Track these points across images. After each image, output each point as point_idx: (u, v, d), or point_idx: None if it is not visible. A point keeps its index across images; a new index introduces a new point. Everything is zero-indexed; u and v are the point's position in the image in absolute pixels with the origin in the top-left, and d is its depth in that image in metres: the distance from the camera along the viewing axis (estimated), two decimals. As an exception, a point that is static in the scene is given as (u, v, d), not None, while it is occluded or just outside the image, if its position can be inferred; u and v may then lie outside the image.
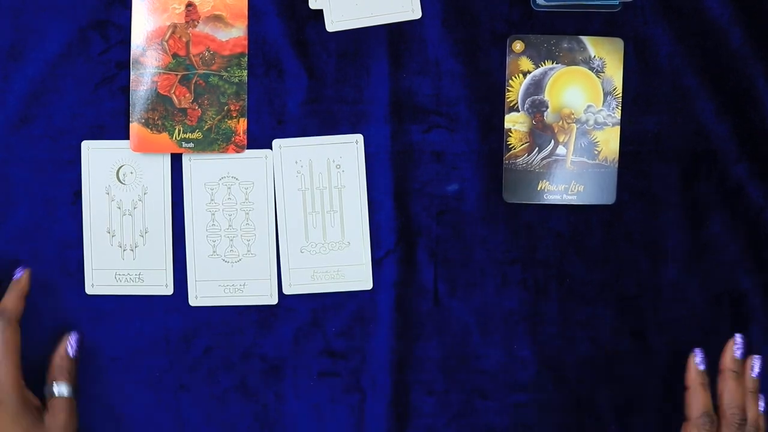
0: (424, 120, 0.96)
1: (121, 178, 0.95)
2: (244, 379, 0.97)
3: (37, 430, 0.86)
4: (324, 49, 0.96)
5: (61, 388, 0.89)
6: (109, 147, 0.95)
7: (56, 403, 0.89)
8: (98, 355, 0.96)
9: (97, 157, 0.95)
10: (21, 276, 0.92)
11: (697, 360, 0.91)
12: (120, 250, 0.95)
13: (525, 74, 0.96)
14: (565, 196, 0.96)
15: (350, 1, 0.93)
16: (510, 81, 0.96)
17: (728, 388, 0.89)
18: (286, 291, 0.96)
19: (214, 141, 0.95)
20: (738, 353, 0.91)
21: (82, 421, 0.96)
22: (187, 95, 0.95)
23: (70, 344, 0.92)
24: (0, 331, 0.87)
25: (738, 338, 0.92)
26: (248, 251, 0.96)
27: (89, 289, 0.95)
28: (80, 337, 0.93)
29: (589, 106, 0.96)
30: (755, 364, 0.91)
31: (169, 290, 0.96)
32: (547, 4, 0.95)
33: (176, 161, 0.96)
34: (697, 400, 0.89)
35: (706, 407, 0.89)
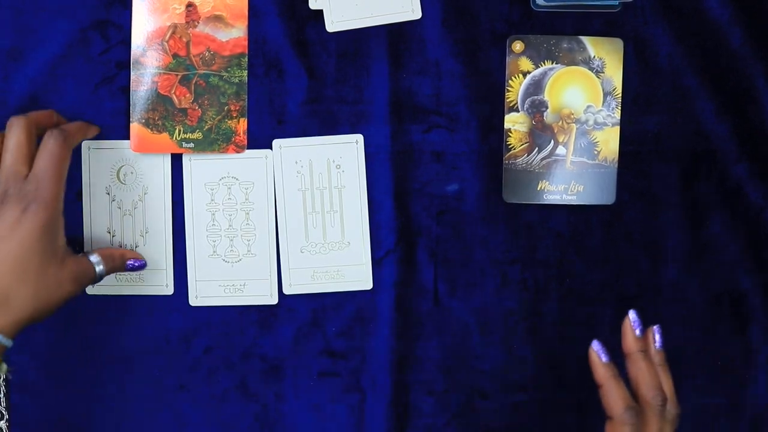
0: (424, 120, 0.97)
1: (121, 178, 0.95)
2: (244, 379, 0.97)
3: (53, 256, 0.85)
4: (324, 49, 0.96)
5: (95, 257, 0.90)
6: (110, 147, 0.95)
7: (82, 262, 0.89)
8: (98, 355, 0.96)
9: (98, 158, 0.95)
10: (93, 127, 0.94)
11: (599, 354, 0.85)
12: (120, 250, 0.96)
13: (525, 74, 0.96)
14: (564, 196, 0.96)
15: (350, 2, 0.94)
16: (510, 81, 0.96)
17: (641, 370, 0.84)
18: (286, 291, 0.96)
19: (215, 141, 0.95)
20: (637, 331, 0.85)
21: (83, 420, 0.96)
22: (188, 95, 0.95)
23: (133, 262, 0.94)
24: (56, 145, 0.86)
25: (632, 315, 0.86)
26: (248, 251, 0.96)
27: (90, 290, 0.95)
28: (143, 268, 0.95)
29: (588, 107, 0.96)
30: (656, 335, 0.86)
31: (169, 290, 0.96)
32: (546, 4, 0.95)
33: (176, 161, 0.96)
34: (614, 395, 0.83)
35: (626, 400, 0.83)
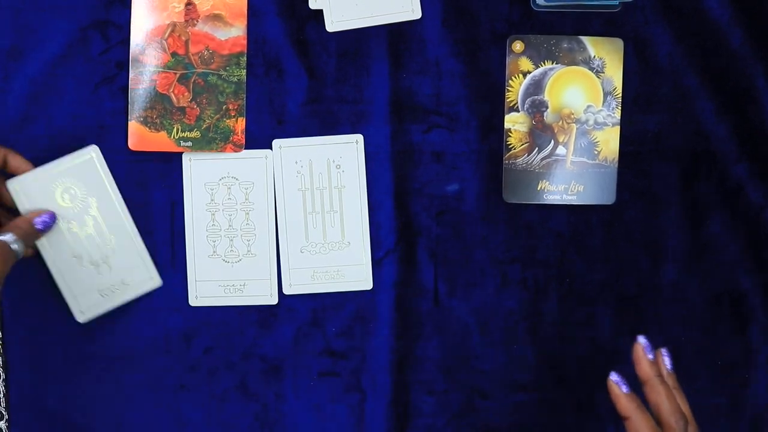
0: (424, 120, 0.96)
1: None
2: (244, 379, 0.97)
3: None
4: (324, 49, 0.96)
5: (6, 236, 0.86)
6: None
7: None
8: (98, 355, 0.96)
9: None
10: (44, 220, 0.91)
11: (620, 386, 0.83)
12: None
13: (525, 74, 0.96)
14: (565, 196, 0.96)
15: (350, 2, 0.93)
16: (510, 81, 0.96)
17: (660, 395, 0.83)
18: (286, 291, 0.96)
19: (213, 140, 0.95)
20: (650, 356, 0.84)
21: (83, 419, 0.96)
22: (186, 94, 0.95)
23: (42, 218, 0.90)
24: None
25: (642, 340, 0.85)
26: (248, 251, 0.96)
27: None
28: (54, 221, 0.91)
29: (589, 106, 0.96)
30: (665, 358, 0.85)
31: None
32: (547, 4, 0.95)
33: (176, 161, 0.96)
34: (642, 426, 0.81)
35: (654, 430, 0.82)
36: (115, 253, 0.93)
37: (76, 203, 0.91)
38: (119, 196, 0.92)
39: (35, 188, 0.90)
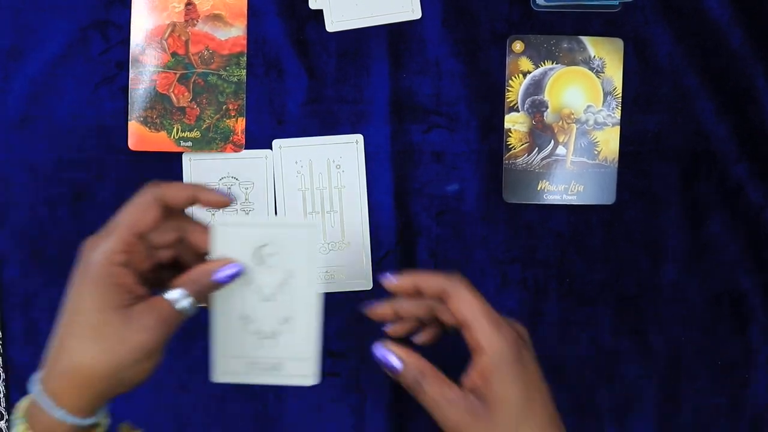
0: (424, 120, 0.96)
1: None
2: (244, 379, 0.97)
3: (113, 310, 0.71)
4: (324, 49, 0.96)
5: (174, 292, 0.74)
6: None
7: (156, 302, 0.73)
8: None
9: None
10: (219, 194, 0.78)
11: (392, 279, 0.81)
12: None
13: (525, 74, 0.96)
14: (565, 196, 0.96)
15: (350, 2, 0.93)
16: (510, 81, 0.96)
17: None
18: (286, 291, 0.96)
19: (213, 140, 0.95)
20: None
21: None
22: (186, 94, 0.95)
23: (225, 271, 0.77)
24: (137, 203, 0.75)
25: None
26: (248, 251, 0.96)
27: None
28: (238, 277, 0.78)
29: (589, 106, 0.96)
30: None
31: (311, 380, 0.85)
32: (547, 4, 0.95)
33: (176, 161, 0.96)
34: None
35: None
36: (286, 335, 0.81)
37: (273, 269, 0.79)
38: (318, 281, 0.81)
39: (239, 237, 0.79)
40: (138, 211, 0.74)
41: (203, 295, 0.76)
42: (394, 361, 0.78)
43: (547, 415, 0.77)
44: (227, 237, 0.78)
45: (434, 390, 0.77)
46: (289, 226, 0.79)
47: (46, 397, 0.70)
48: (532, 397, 0.75)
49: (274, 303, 0.80)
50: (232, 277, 0.77)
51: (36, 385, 0.71)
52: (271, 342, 0.81)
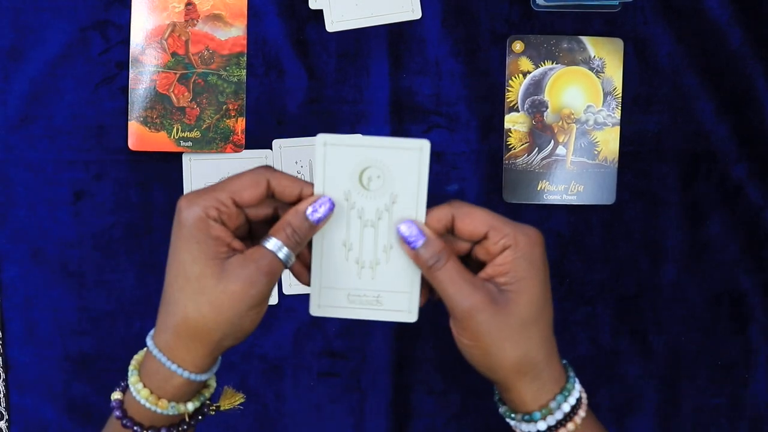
0: (424, 120, 0.96)
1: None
2: (244, 379, 0.97)
3: (211, 261, 0.69)
4: (324, 49, 0.96)
5: (272, 242, 0.71)
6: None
7: (254, 253, 0.70)
8: (98, 355, 0.96)
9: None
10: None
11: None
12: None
13: (525, 74, 0.96)
14: (565, 196, 0.96)
15: (350, 2, 0.93)
16: (510, 81, 0.96)
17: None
18: (286, 291, 0.96)
19: (213, 140, 0.95)
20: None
21: (84, 419, 0.96)
22: (186, 94, 0.95)
23: (315, 207, 0.73)
24: (246, 176, 0.72)
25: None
26: (248, 251, 0.96)
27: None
28: (332, 212, 0.73)
29: (588, 106, 0.96)
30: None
31: (412, 316, 0.78)
32: (546, 4, 0.95)
33: (176, 161, 0.96)
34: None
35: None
36: (387, 264, 0.76)
37: (377, 192, 0.74)
38: (424, 208, 0.74)
39: (343, 156, 0.73)
40: (244, 184, 0.71)
41: (301, 240, 0.72)
42: (416, 233, 0.72)
43: (551, 322, 0.74)
44: (330, 157, 0.73)
45: (453, 267, 0.71)
46: (396, 147, 0.73)
47: (159, 352, 0.70)
48: (548, 298, 0.73)
49: (375, 230, 0.75)
50: (326, 216, 0.73)
51: (149, 339, 0.72)
52: (369, 273, 0.76)
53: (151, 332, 0.72)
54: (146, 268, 0.96)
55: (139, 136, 0.94)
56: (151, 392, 0.71)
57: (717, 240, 0.98)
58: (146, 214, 0.96)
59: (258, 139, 0.96)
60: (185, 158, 0.95)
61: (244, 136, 0.95)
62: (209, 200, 0.70)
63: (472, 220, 0.72)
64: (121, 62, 0.95)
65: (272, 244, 0.71)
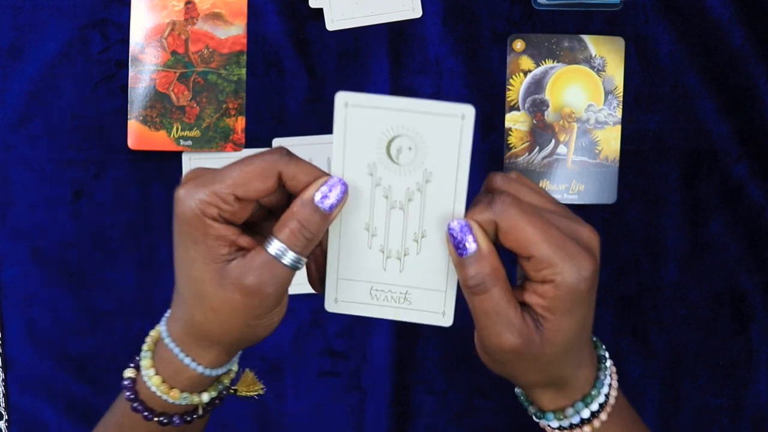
0: (424, 119, 0.96)
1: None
2: (244, 379, 0.97)
3: (210, 267, 0.61)
4: (324, 47, 0.96)
5: (275, 245, 0.61)
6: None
7: (255, 258, 0.61)
8: (98, 355, 0.96)
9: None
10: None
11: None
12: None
13: (526, 73, 0.96)
14: (565, 195, 0.96)
15: (350, 0, 0.93)
16: (510, 80, 0.96)
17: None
18: (286, 290, 0.96)
19: (212, 139, 0.95)
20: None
21: (84, 419, 0.95)
22: (186, 93, 0.95)
23: (324, 192, 0.61)
24: (255, 167, 0.61)
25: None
26: (248, 251, 0.95)
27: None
28: (345, 189, 0.62)
29: (589, 105, 0.96)
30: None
31: (447, 320, 0.68)
32: (547, 2, 0.95)
33: (176, 160, 0.96)
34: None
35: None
36: (418, 256, 0.64)
37: (408, 166, 0.62)
38: (465, 189, 0.62)
39: (368, 121, 0.61)
40: (250, 176, 0.61)
41: (313, 236, 0.61)
42: (470, 242, 0.60)
43: (588, 336, 0.67)
44: (352, 121, 0.62)
45: (498, 296, 0.61)
46: (433, 113, 0.60)
47: (172, 342, 0.64)
48: (588, 322, 0.65)
49: (405, 213, 0.63)
50: (339, 202, 0.61)
51: (163, 325, 0.65)
52: (396, 264, 0.64)
53: (167, 315, 0.66)
54: (146, 267, 0.96)
55: (138, 135, 0.94)
56: (163, 381, 0.65)
57: (718, 239, 0.97)
58: (146, 213, 0.96)
59: (258, 138, 0.96)
60: (185, 157, 0.95)
61: (244, 135, 0.95)
62: (208, 195, 0.60)
63: (517, 238, 0.60)
64: (121, 61, 0.95)
65: (274, 247, 0.60)
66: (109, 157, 0.95)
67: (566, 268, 0.60)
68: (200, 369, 0.64)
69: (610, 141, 0.96)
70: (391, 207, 0.62)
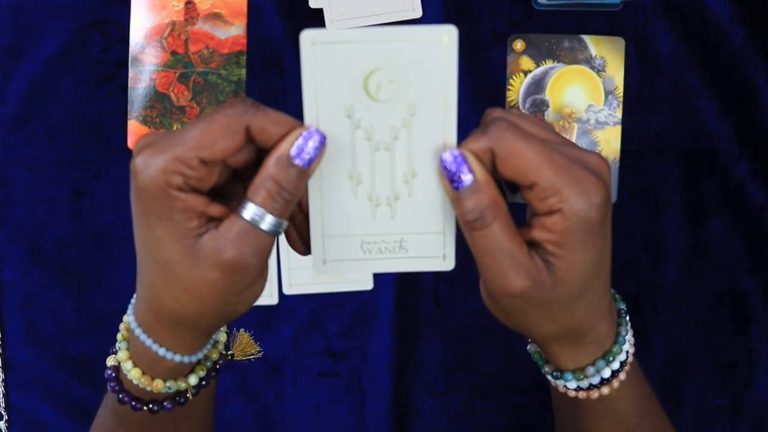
0: (424, 119, 0.96)
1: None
2: (244, 380, 0.97)
3: (179, 243, 0.55)
4: (324, 47, 0.96)
5: (250, 210, 0.55)
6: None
7: (230, 227, 0.55)
8: (98, 355, 0.96)
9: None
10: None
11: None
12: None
13: (526, 73, 0.96)
14: (565, 195, 0.96)
15: (350, 0, 0.93)
16: (511, 80, 0.96)
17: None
18: (286, 291, 0.96)
19: (213, 139, 0.95)
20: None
21: (84, 419, 0.95)
22: (186, 93, 0.95)
23: (300, 145, 0.55)
24: (219, 124, 0.54)
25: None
26: (248, 251, 0.95)
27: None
28: (323, 140, 0.55)
29: (590, 106, 0.96)
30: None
31: (447, 264, 0.64)
32: (548, 3, 0.95)
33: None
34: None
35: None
36: (410, 198, 0.59)
37: (390, 102, 0.56)
38: (455, 117, 0.58)
39: (340, 58, 0.55)
40: (214, 134, 0.54)
41: (290, 196, 0.55)
42: (465, 173, 0.56)
43: (606, 284, 0.60)
44: (321, 61, 0.55)
45: (499, 231, 0.56)
46: (411, 40, 0.55)
47: (142, 333, 0.59)
48: (605, 259, 0.58)
49: (390, 154, 0.57)
50: (318, 153, 0.55)
51: (130, 314, 0.61)
52: (387, 211, 0.59)
53: (132, 301, 0.61)
54: (146, 267, 0.96)
55: (138, 136, 0.94)
56: (143, 372, 0.60)
57: (718, 239, 0.97)
58: (146, 213, 0.96)
59: (258, 138, 0.96)
60: (185, 157, 0.95)
61: (243, 135, 0.95)
62: (170, 163, 0.54)
63: (516, 164, 0.55)
64: (121, 61, 0.95)
65: (250, 212, 0.55)
66: (109, 157, 0.95)
67: (573, 194, 0.54)
68: (177, 358, 0.59)
69: (611, 141, 0.96)
70: (375, 149, 0.57)
